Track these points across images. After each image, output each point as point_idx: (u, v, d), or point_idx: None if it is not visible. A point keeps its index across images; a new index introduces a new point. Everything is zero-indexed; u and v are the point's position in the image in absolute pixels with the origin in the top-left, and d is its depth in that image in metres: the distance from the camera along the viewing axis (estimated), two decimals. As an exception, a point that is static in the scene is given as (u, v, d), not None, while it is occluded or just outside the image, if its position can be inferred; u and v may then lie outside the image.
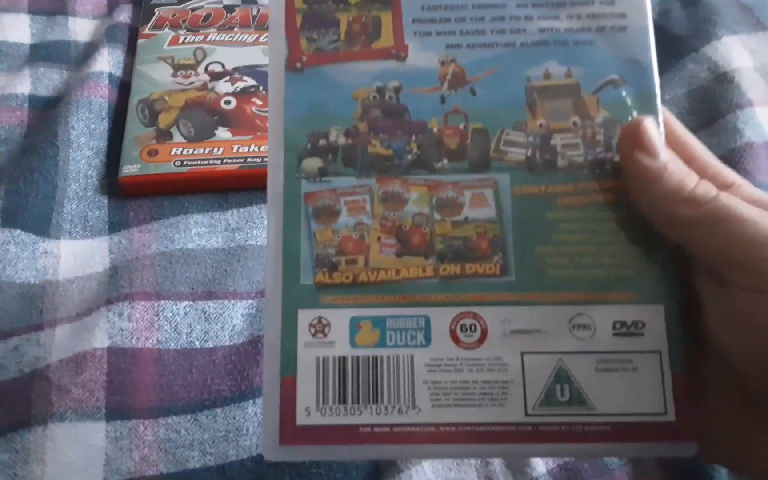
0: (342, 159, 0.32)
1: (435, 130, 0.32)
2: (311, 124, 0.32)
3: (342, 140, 0.32)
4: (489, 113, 0.32)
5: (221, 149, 0.54)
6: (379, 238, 0.31)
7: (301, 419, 0.30)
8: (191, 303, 0.46)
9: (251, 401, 0.42)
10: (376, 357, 0.30)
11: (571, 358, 0.30)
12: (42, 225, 0.50)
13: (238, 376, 0.43)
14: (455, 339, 0.30)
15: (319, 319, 0.30)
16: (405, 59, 0.32)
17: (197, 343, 0.45)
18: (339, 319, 0.30)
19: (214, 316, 0.46)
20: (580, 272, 0.30)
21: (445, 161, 0.32)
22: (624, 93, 0.31)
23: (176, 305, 0.46)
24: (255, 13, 0.63)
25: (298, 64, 0.32)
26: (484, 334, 0.30)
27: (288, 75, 0.32)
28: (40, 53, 0.62)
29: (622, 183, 0.31)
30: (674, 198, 0.28)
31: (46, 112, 0.57)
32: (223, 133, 0.55)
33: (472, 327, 0.30)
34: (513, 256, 0.31)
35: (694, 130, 0.53)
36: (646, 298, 0.30)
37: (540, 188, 0.31)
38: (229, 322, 0.46)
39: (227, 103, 0.57)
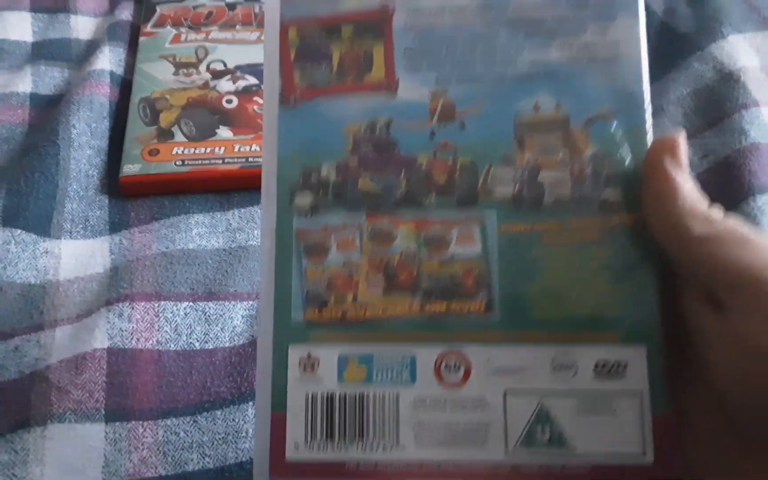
0: (333, 195, 0.32)
1: (424, 165, 0.32)
2: (304, 159, 0.32)
3: (333, 176, 0.32)
4: (477, 148, 0.31)
5: (223, 149, 0.53)
6: (367, 275, 0.31)
7: (291, 454, 0.30)
8: (191, 304, 0.46)
9: (251, 403, 0.42)
10: (363, 394, 0.31)
11: (552, 399, 0.30)
12: (43, 225, 0.50)
13: (238, 378, 0.43)
14: (440, 377, 0.30)
15: (309, 355, 0.31)
16: (396, 92, 0.32)
17: (197, 344, 0.45)
18: (328, 355, 0.31)
19: (215, 317, 0.46)
20: (564, 312, 0.30)
21: (434, 197, 0.31)
22: (614, 126, 0.31)
23: (176, 306, 0.46)
24: (257, 10, 0.63)
25: (292, 99, 0.32)
26: (467, 372, 0.30)
27: (281, 109, 0.32)
28: (42, 51, 0.62)
29: (609, 220, 0.30)
30: (690, 213, 0.28)
31: (47, 111, 0.57)
32: (224, 132, 0.55)
33: (456, 366, 0.30)
34: (498, 294, 0.31)
35: (699, 129, 0.53)
36: (629, 338, 0.30)
37: (526, 225, 0.31)
38: (229, 323, 0.45)
39: (229, 101, 0.56)
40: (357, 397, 0.30)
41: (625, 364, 0.30)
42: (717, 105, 0.53)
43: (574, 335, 0.30)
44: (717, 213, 0.28)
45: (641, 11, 0.32)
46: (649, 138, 0.31)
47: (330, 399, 0.30)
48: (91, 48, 0.61)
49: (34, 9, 0.64)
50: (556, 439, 0.30)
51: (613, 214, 0.31)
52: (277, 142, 0.32)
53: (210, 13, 0.62)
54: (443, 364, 0.30)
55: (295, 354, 0.31)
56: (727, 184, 0.49)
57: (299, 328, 0.31)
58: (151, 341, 0.44)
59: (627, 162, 0.31)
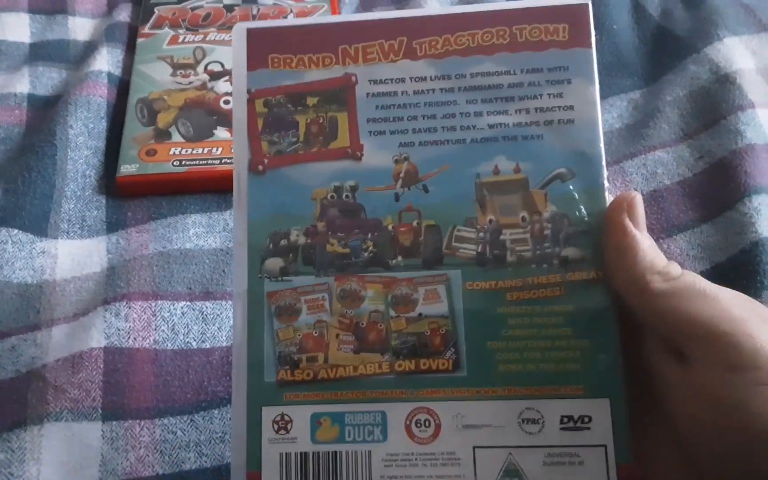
0: (302, 258, 0.33)
1: (390, 227, 0.33)
2: (273, 224, 0.33)
3: (302, 240, 0.33)
4: (441, 210, 0.32)
5: (220, 149, 0.54)
6: (337, 335, 0.32)
7: None
8: (188, 303, 0.46)
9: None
10: (336, 452, 0.31)
11: (520, 452, 0.31)
12: (39, 224, 0.50)
13: (235, 377, 0.43)
14: (410, 434, 0.31)
15: (282, 415, 0.32)
16: (361, 158, 0.33)
17: (194, 343, 0.45)
18: (300, 415, 0.32)
19: (212, 316, 0.46)
20: (528, 367, 0.31)
21: (400, 258, 0.32)
22: (571, 187, 0.32)
23: (173, 305, 0.46)
24: (255, 12, 0.63)
25: (260, 167, 0.33)
26: (437, 428, 0.31)
27: (251, 177, 0.33)
28: (40, 52, 0.62)
29: (569, 277, 0.31)
30: (650, 269, 0.29)
31: (45, 112, 0.57)
32: (222, 132, 0.55)
33: (427, 422, 0.31)
34: (465, 351, 0.31)
35: (696, 131, 0.53)
36: (592, 392, 0.31)
37: (490, 283, 0.32)
38: (226, 322, 0.45)
39: (226, 102, 0.56)
40: (330, 455, 0.31)
41: (589, 417, 0.31)
42: (713, 106, 0.53)
43: (540, 390, 0.31)
44: (675, 269, 0.29)
45: (595, 75, 0.33)
46: (607, 197, 0.32)
47: (304, 458, 0.31)
48: (88, 49, 0.62)
49: (32, 10, 0.64)
50: None
51: (572, 271, 0.31)
52: (247, 210, 0.33)
53: (208, 15, 0.62)
54: (414, 421, 0.31)
55: (268, 415, 0.32)
56: (723, 185, 0.49)
57: (272, 389, 0.32)
58: (148, 340, 0.44)
59: (585, 221, 0.32)
